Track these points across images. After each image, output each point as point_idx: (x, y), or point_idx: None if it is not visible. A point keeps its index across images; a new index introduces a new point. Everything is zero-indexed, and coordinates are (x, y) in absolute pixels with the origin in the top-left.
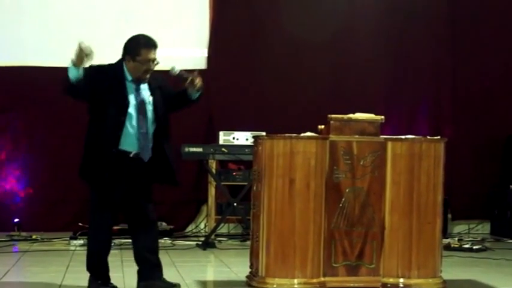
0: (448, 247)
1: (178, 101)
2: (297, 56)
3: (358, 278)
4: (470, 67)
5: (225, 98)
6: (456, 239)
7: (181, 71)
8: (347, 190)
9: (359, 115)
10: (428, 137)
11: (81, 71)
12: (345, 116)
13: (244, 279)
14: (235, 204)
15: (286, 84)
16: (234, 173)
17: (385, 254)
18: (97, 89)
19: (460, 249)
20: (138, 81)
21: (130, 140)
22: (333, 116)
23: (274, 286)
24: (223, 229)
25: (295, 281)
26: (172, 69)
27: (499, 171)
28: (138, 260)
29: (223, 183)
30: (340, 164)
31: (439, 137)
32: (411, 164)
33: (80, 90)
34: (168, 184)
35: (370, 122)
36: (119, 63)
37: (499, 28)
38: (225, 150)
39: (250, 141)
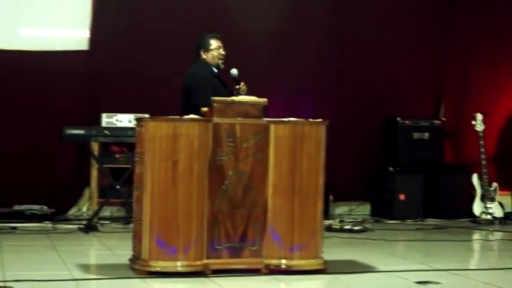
0: (329, 228)
1: None
2: (180, 39)
3: (241, 259)
4: (353, 52)
5: (108, 80)
6: (337, 220)
7: (238, 75)
8: (230, 172)
9: (242, 98)
10: (310, 119)
11: None
12: (228, 99)
13: (127, 262)
14: (118, 187)
15: (170, 66)
16: (117, 156)
17: (267, 236)
18: None
19: (341, 230)
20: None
21: None
22: (216, 98)
23: (157, 269)
24: (106, 212)
25: (179, 263)
26: (233, 71)
27: (379, 154)
28: None
29: (105, 165)
30: (224, 147)
31: (320, 120)
32: (293, 147)
33: None
34: None
35: (253, 104)
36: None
37: (378, 18)
38: (108, 133)
39: (133, 124)
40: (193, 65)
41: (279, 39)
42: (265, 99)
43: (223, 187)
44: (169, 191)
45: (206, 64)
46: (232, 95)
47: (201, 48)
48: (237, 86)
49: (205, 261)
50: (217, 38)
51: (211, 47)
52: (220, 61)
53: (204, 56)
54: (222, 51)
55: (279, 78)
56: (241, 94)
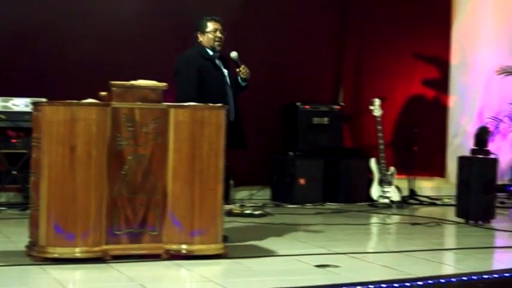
0: (230, 213)
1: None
2: (78, 22)
3: (141, 245)
4: (253, 40)
5: (3, 63)
6: (238, 205)
7: (238, 58)
8: (129, 157)
9: (141, 82)
10: (210, 104)
11: None
12: (127, 83)
13: (24, 249)
14: (14, 172)
15: (68, 50)
16: (13, 140)
17: (167, 221)
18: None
19: (242, 214)
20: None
21: None
22: (115, 82)
23: (55, 255)
24: (3, 198)
25: (77, 249)
26: (232, 54)
27: (279, 139)
28: None
29: (1, 150)
30: (123, 131)
31: (220, 104)
32: (193, 131)
33: None
34: (238, 148)
35: (152, 89)
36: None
37: (279, 7)
38: (3, 117)
39: (29, 108)
40: (190, 48)
41: (177, 26)
42: (165, 84)
43: (123, 172)
44: (66, 177)
45: (201, 47)
46: (230, 79)
47: (198, 30)
48: (237, 69)
49: (105, 247)
50: (216, 21)
51: (208, 30)
52: (217, 43)
53: (200, 39)
54: (218, 34)
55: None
56: (241, 77)
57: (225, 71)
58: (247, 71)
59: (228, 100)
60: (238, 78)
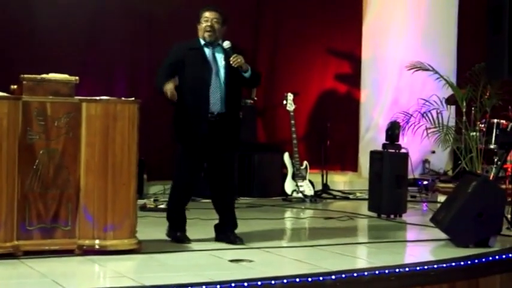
0: (144, 208)
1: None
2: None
3: (53, 240)
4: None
5: None
6: (152, 199)
7: (229, 47)
8: (41, 152)
9: (52, 75)
10: (123, 98)
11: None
12: (38, 76)
13: None
14: None
15: None
16: None
17: (80, 216)
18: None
19: (156, 209)
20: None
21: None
22: (26, 76)
23: None
24: None
25: None
26: (224, 44)
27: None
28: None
29: None
30: (34, 125)
31: (133, 99)
32: (106, 125)
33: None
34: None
35: (64, 82)
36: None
37: None
38: None
39: None
40: None
41: (91, 18)
42: (77, 78)
43: (34, 167)
44: None
45: (196, 37)
46: (227, 70)
47: (197, 21)
48: (229, 59)
49: (16, 242)
50: (209, 10)
51: (200, 19)
52: (207, 33)
53: (198, 29)
54: (208, 23)
55: (93, 56)
56: (238, 67)
57: (221, 63)
58: (238, 60)
59: (210, 92)
60: (239, 69)
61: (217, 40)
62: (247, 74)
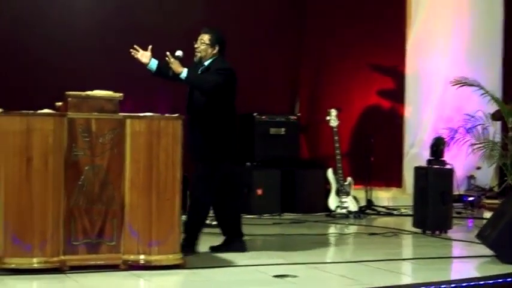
0: None
1: None
2: (30, 29)
3: (98, 255)
4: None
5: None
6: None
7: (182, 57)
8: (86, 168)
9: (97, 92)
10: (166, 114)
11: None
12: (83, 93)
13: None
14: None
15: (22, 59)
16: None
17: (125, 232)
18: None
19: None
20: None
21: None
22: (71, 93)
23: (13, 266)
24: None
25: (35, 260)
26: (177, 53)
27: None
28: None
29: None
30: (79, 142)
31: (177, 115)
32: (150, 142)
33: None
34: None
35: (108, 99)
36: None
37: (238, 17)
38: None
39: None
40: None
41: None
42: (121, 94)
43: (80, 182)
44: (23, 188)
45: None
46: None
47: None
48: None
49: (62, 257)
50: (201, 32)
51: None
52: (196, 53)
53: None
54: (195, 45)
55: (135, 73)
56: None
57: None
58: (172, 64)
59: (193, 106)
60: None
61: (202, 60)
62: (182, 76)
